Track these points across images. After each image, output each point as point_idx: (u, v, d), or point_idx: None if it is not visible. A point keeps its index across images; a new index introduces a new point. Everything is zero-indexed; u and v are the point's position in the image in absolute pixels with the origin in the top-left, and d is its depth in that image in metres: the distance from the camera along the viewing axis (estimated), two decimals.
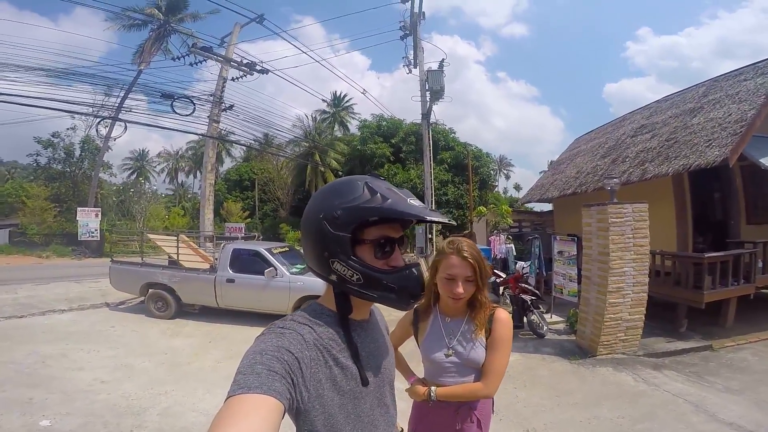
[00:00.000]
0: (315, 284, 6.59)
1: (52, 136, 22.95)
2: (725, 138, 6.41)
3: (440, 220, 0.91)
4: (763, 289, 6.57)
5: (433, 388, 1.54)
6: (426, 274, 1.25)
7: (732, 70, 8.34)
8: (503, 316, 1.59)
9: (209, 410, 3.75)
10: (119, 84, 18.60)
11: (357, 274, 0.84)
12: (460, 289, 1.50)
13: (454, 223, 0.95)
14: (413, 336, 1.71)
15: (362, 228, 0.84)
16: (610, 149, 10.16)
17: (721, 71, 8.74)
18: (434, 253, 1.72)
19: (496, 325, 1.57)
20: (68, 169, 23.82)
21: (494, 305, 1.63)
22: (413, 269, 0.88)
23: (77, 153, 23.59)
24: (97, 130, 20.25)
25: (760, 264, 6.16)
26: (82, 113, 18.03)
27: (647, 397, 3.88)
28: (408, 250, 15.38)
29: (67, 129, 23.28)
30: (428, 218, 0.85)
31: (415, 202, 0.85)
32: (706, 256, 5.73)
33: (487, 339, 1.58)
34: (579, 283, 6.18)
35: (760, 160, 6.41)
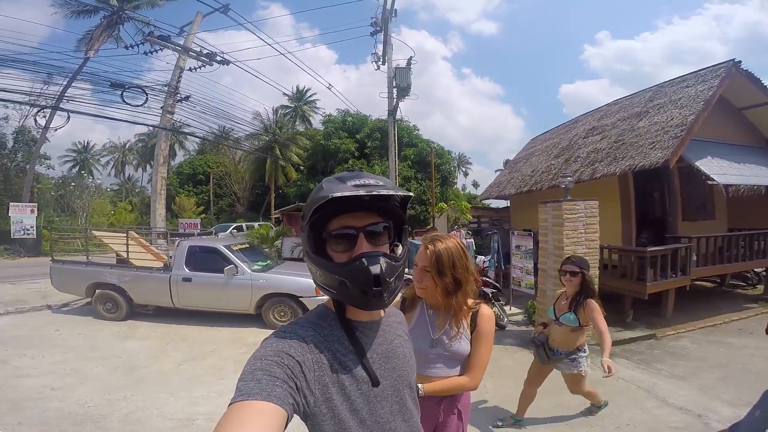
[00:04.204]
0: (278, 282, 6.47)
1: None
2: (667, 141, 6.96)
3: (355, 193, 0.76)
4: (697, 281, 7.25)
5: (420, 384, 1.57)
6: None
7: (676, 77, 9.00)
8: (487, 311, 1.66)
9: (175, 414, 3.59)
10: (63, 72, 17.06)
11: (318, 270, 0.84)
12: (417, 277, 1.61)
13: (408, 193, 0.86)
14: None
15: (326, 223, 0.83)
16: (563, 149, 10.71)
17: (670, 77, 9.43)
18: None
19: (480, 320, 1.64)
20: None
21: (477, 302, 1.70)
22: (363, 259, 0.79)
23: (10, 144, 21.51)
24: (35, 120, 18.48)
25: (695, 258, 6.77)
26: (17, 102, 16.46)
27: (604, 385, 4.10)
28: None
29: None
30: (335, 194, 0.74)
31: (353, 182, 0.78)
32: (648, 250, 6.20)
33: (472, 333, 1.64)
34: (536, 275, 6.49)
35: (696, 163, 7.03)
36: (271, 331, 0.86)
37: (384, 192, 0.78)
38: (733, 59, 7.58)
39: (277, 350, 0.75)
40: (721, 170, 7.21)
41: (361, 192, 0.76)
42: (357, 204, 0.79)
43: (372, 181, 0.79)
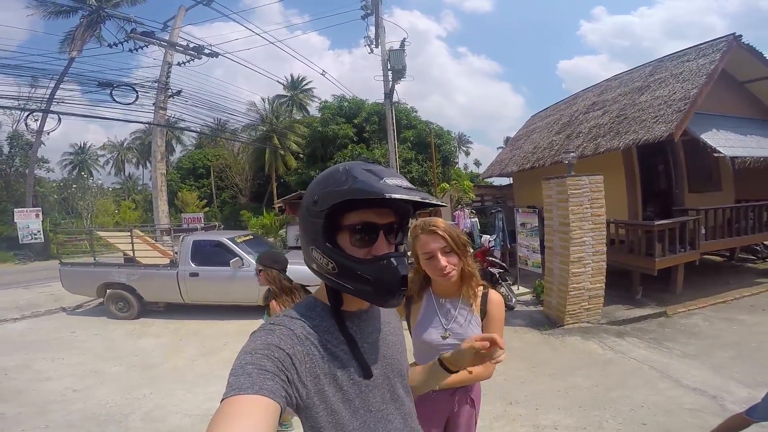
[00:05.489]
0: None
1: None
2: (671, 115, 6.86)
3: (410, 197, 0.75)
4: (706, 255, 7.19)
5: None
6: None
7: (676, 51, 8.84)
8: (496, 297, 1.64)
9: (192, 411, 3.67)
10: (48, 74, 16.80)
11: (332, 263, 0.81)
12: (443, 262, 1.49)
13: (440, 203, 0.84)
14: (404, 319, 1.68)
15: (343, 214, 0.80)
16: (564, 125, 10.59)
17: (670, 51, 9.26)
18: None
19: (491, 307, 1.61)
20: None
21: (485, 284, 1.68)
22: (392, 259, 0.80)
23: (6, 150, 21.47)
24: (26, 125, 18.36)
25: (703, 231, 6.71)
26: (6, 107, 16.33)
27: (616, 365, 4.13)
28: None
29: None
30: (394, 195, 0.72)
31: (392, 180, 0.76)
32: (656, 223, 6.14)
33: (482, 320, 1.61)
34: (542, 254, 6.48)
35: (701, 136, 6.94)
36: None
37: (434, 203, 0.80)
38: (734, 33, 7.44)
39: (267, 343, 0.75)
40: (726, 143, 7.12)
41: (417, 198, 0.76)
42: (380, 200, 0.76)
43: (406, 183, 0.79)
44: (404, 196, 0.74)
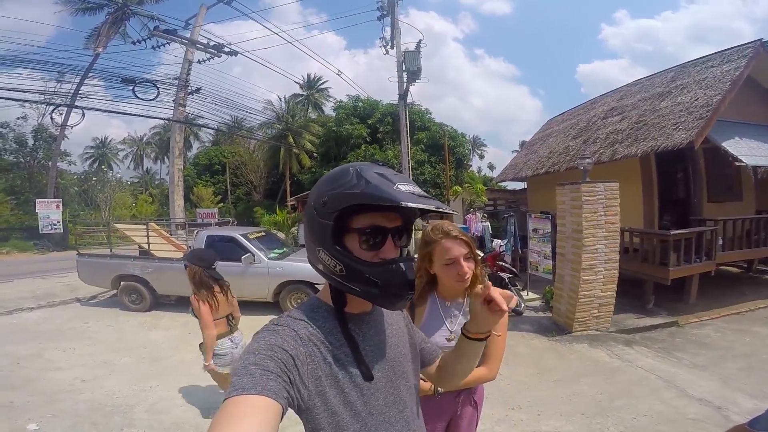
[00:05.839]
0: (295, 269, 6.53)
1: (0, 126, 21.41)
2: (691, 122, 6.70)
3: (425, 206, 0.76)
4: (722, 266, 6.99)
5: None
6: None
7: (700, 56, 8.63)
8: None
9: (197, 404, 3.72)
10: (74, 70, 17.30)
11: (339, 265, 0.81)
12: (466, 269, 1.51)
13: (450, 211, 0.84)
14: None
15: (351, 216, 0.80)
16: (581, 130, 10.43)
17: (695, 56, 9.08)
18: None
19: None
20: (21, 160, 22.38)
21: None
22: (401, 264, 0.81)
23: (30, 143, 22.17)
24: (51, 118, 18.93)
25: (721, 241, 6.54)
26: (33, 101, 16.85)
27: (622, 374, 4.08)
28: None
29: (17, 119, 21.79)
30: (410, 204, 0.73)
31: (404, 187, 0.77)
32: (672, 233, 5.99)
33: None
34: (554, 260, 6.39)
35: (722, 144, 6.75)
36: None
37: (447, 211, 0.81)
38: (761, 39, 7.24)
39: (270, 344, 0.75)
40: (749, 151, 6.91)
41: (432, 208, 0.77)
42: (389, 204, 0.76)
43: (418, 189, 0.80)
44: (420, 205, 0.74)
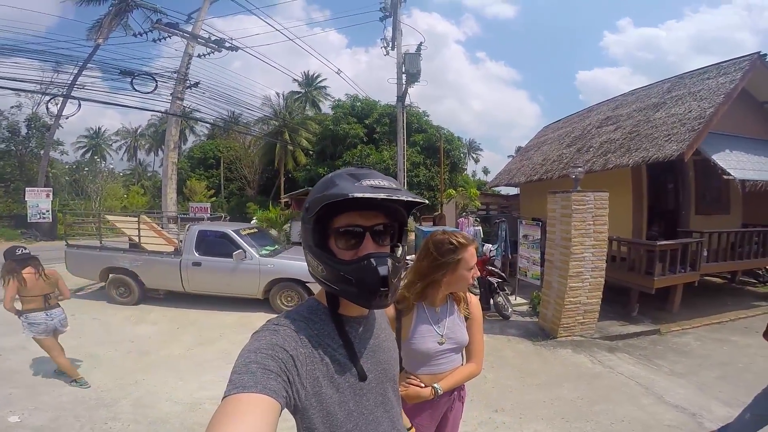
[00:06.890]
0: (286, 267, 6.53)
1: None
2: (684, 134, 6.78)
3: (377, 195, 0.75)
4: (706, 276, 7.10)
5: (436, 385, 1.61)
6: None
7: (697, 68, 8.73)
8: (475, 299, 1.79)
9: (183, 399, 3.71)
10: (72, 60, 17.16)
11: (321, 265, 0.84)
12: (477, 271, 1.67)
13: (419, 200, 0.81)
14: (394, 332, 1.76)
15: (332, 218, 0.83)
16: (575, 138, 10.52)
17: (697, 66, 9.19)
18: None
19: (473, 309, 1.74)
20: (13, 148, 22.08)
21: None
22: (372, 260, 0.80)
23: (23, 131, 21.92)
24: (47, 108, 18.74)
25: (705, 253, 6.64)
26: (28, 91, 16.66)
27: (603, 379, 4.15)
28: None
29: (11, 107, 21.57)
30: (356, 194, 0.73)
31: (368, 182, 0.78)
32: (658, 243, 6.09)
33: (466, 321, 1.72)
34: (542, 266, 6.46)
35: (713, 156, 6.84)
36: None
37: (404, 198, 0.78)
38: (758, 52, 7.31)
39: (271, 344, 0.77)
40: (739, 164, 7.00)
41: (382, 195, 0.76)
42: (366, 203, 0.78)
43: (386, 183, 0.79)
44: (366, 194, 0.74)
